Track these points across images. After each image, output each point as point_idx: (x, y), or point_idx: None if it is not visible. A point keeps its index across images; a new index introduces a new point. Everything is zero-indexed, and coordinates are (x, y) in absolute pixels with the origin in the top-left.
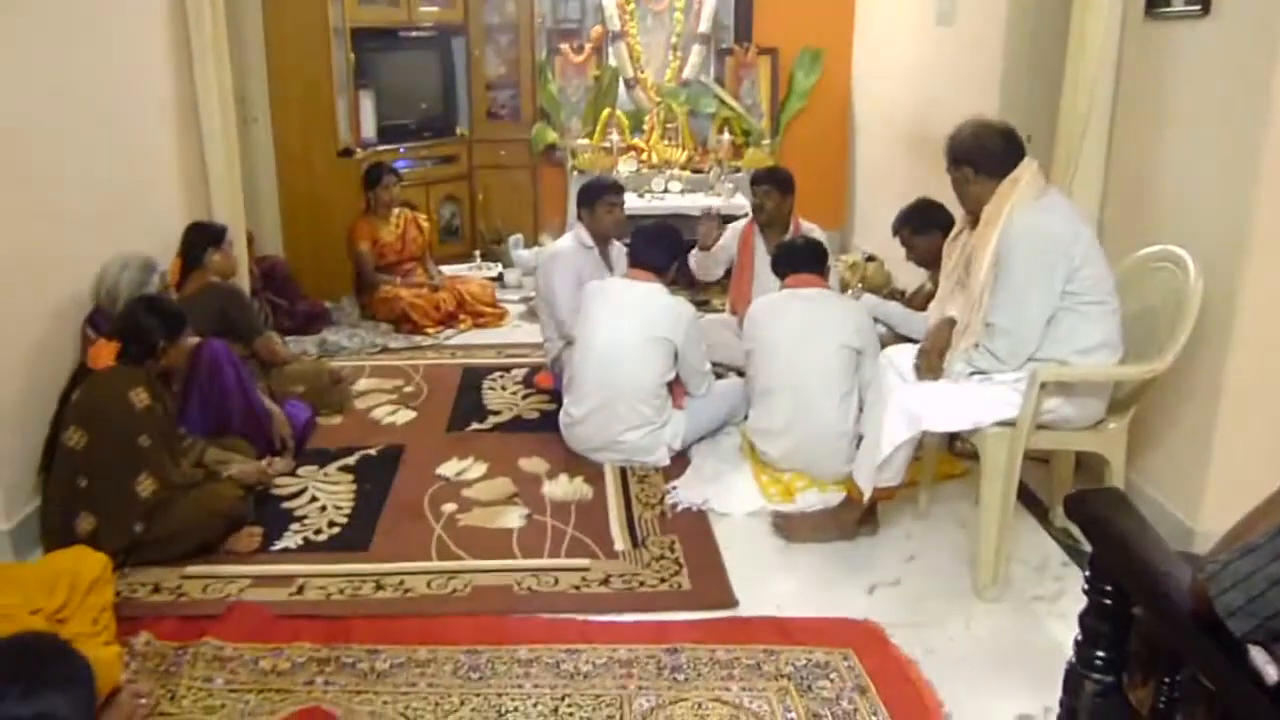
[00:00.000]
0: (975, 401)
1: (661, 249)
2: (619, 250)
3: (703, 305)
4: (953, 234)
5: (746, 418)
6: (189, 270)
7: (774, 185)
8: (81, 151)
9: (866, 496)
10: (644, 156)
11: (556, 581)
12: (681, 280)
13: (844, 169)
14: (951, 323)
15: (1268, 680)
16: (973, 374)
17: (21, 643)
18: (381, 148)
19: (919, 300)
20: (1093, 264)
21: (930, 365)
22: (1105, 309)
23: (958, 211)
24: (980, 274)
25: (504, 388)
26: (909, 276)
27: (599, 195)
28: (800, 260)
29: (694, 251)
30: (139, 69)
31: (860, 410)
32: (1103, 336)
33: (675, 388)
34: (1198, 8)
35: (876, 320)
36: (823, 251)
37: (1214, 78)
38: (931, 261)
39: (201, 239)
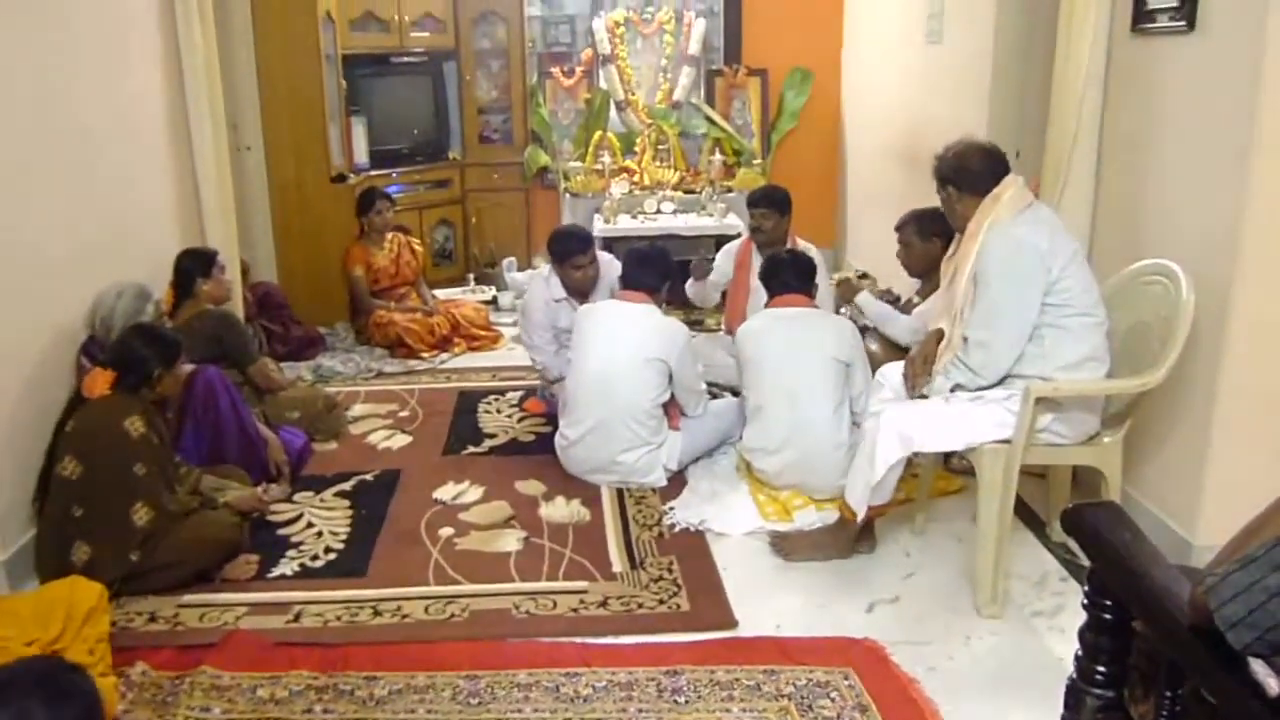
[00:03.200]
0: (966, 421)
1: (653, 270)
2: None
3: (697, 325)
4: (949, 252)
5: (742, 437)
6: (182, 297)
7: (772, 207)
8: (74, 180)
9: (860, 517)
10: (636, 178)
11: (555, 604)
12: (674, 301)
13: (835, 188)
14: (940, 334)
15: (1269, 692)
16: (954, 389)
17: (39, 663)
18: (374, 173)
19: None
20: (1074, 276)
21: (916, 372)
22: (1089, 322)
23: None
24: (959, 288)
25: (499, 411)
26: (899, 292)
27: (563, 259)
28: (787, 276)
29: (689, 283)
30: (131, 97)
31: (854, 423)
32: (1088, 350)
33: (671, 408)
34: (1183, 24)
35: (860, 311)
36: (811, 267)
37: (1200, 93)
38: (922, 270)
39: (193, 265)
